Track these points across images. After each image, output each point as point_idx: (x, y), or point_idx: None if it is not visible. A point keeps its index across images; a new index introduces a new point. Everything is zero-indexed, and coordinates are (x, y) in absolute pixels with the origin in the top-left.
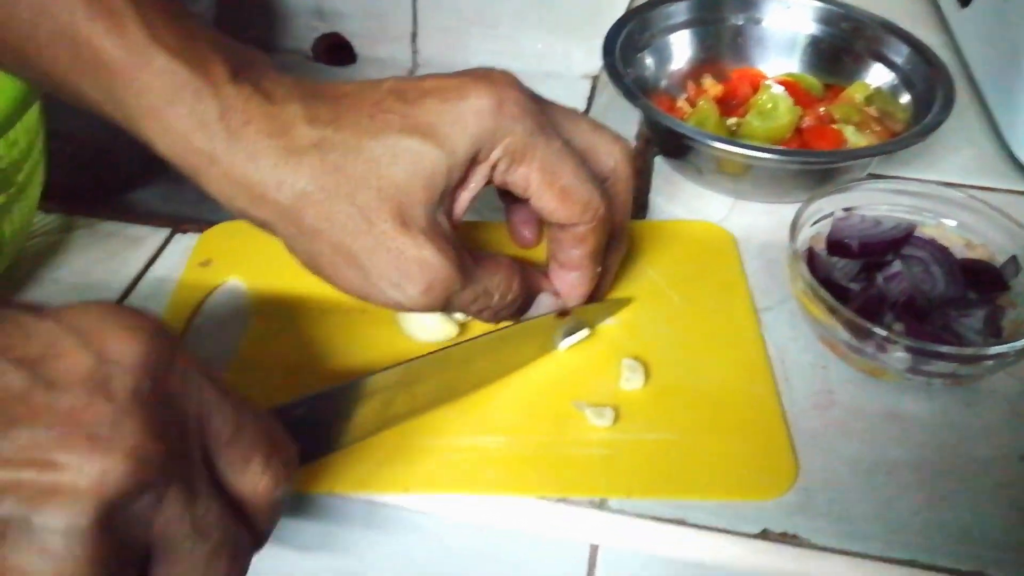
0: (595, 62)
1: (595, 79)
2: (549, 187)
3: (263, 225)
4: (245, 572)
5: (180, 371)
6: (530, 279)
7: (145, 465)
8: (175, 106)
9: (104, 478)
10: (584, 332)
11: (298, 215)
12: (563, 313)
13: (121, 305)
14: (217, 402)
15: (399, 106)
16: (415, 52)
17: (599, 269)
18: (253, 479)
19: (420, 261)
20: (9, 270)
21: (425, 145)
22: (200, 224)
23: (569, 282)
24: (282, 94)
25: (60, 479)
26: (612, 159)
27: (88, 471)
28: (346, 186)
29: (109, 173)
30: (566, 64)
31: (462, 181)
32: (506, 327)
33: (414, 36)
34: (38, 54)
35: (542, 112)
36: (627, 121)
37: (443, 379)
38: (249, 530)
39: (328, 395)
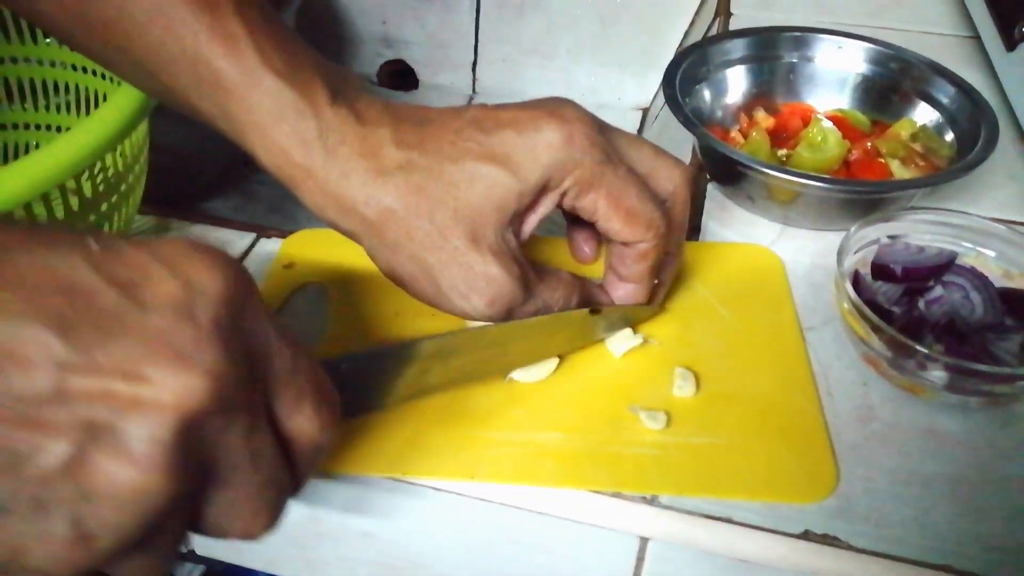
0: (646, 95)
1: (645, 111)
2: (615, 211)
3: (349, 234)
4: (284, 512)
5: (252, 307)
6: (587, 292)
7: (223, 386)
8: (280, 124)
9: (187, 394)
10: (637, 339)
11: (381, 229)
12: (594, 310)
13: (206, 243)
14: (279, 343)
15: (478, 135)
16: (475, 80)
17: (656, 282)
18: (303, 420)
19: (487, 277)
20: None
21: (500, 172)
22: (282, 231)
23: (627, 293)
24: (374, 116)
25: (147, 392)
26: (671, 183)
27: (173, 386)
28: (426, 205)
29: (188, 184)
30: (618, 96)
31: (532, 205)
32: (541, 317)
33: (474, 65)
34: (162, 71)
35: (608, 142)
36: (677, 151)
37: (478, 356)
38: (291, 472)
39: (370, 355)
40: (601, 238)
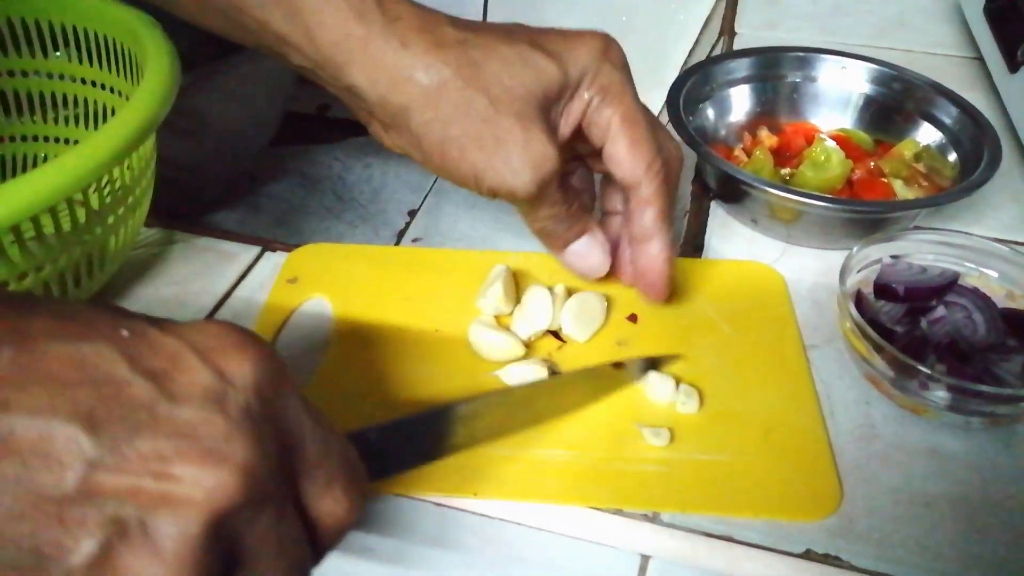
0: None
1: None
2: (623, 133)
3: (398, 111)
4: None
5: (284, 394)
6: (586, 216)
7: (252, 480)
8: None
9: (217, 490)
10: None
11: (437, 99)
12: (618, 364)
13: (237, 326)
14: (311, 426)
15: (528, 32)
16: None
17: (672, 234)
18: (332, 504)
19: (541, 152)
20: (113, 278)
21: (547, 61)
22: (287, 245)
23: (649, 257)
24: (427, 6)
25: (176, 489)
26: (670, 144)
27: (203, 482)
28: (483, 79)
29: (194, 197)
30: None
31: (566, 108)
32: (569, 375)
33: None
34: None
35: (631, 79)
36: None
37: (503, 415)
38: (314, 550)
39: (398, 424)
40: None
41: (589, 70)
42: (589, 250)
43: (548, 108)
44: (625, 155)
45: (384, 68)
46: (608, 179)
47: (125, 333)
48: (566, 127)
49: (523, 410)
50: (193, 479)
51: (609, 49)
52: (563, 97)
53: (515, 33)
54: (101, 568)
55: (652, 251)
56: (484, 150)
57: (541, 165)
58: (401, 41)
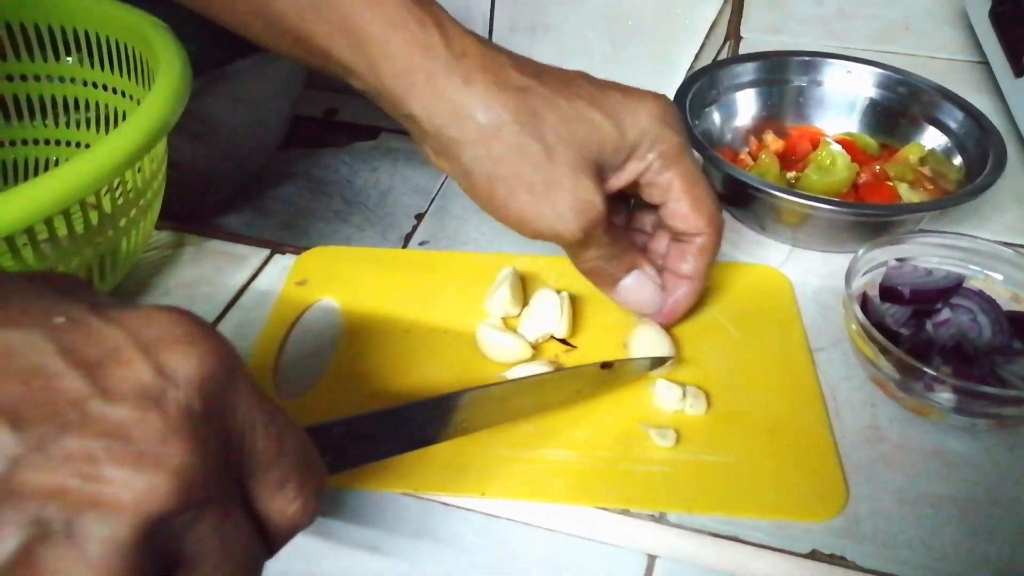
0: None
1: None
2: (686, 194)
3: (449, 143)
4: None
5: (234, 389)
6: (635, 254)
7: (188, 484)
8: (401, 31)
9: (148, 495)
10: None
11: (492, 138)
12: (606, 365)
13: (189, 314)
14: (264, 423)
15: (589, 87)
16: None
17: (706, 284)
18: (284, 503)
19: (589, 202)
20: (125, 280)
21: (605, 120)
22: (296, 248)
23: (681, 294)
24: (493, 45)
25: (105, 491)
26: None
27: (133, 487)
28: (540, 127)
29: (203, 200)
30: None
31: (620, 165)
32: (550, 373)
33: None
34: None
35: (688, 137)
36: None
37: (478, 412)
38: (265, 547)
39: (365, 418)
40: (656, 237)
41: (648, 135)
42: (640, 286)
43: (601, 163)
44: (689, 213)
45: (444, 102)
46: (642, 204)
47: (60, 320)
48: (617, 182)
49: (498, 407)
50: (123, 482)
51: (668, 114)
52: (617, 156)
53: (575, 85)
54: (21, 569)
55: (686, 290)
56: (532, 193)
57: (588, 212)
58: (464, 78)
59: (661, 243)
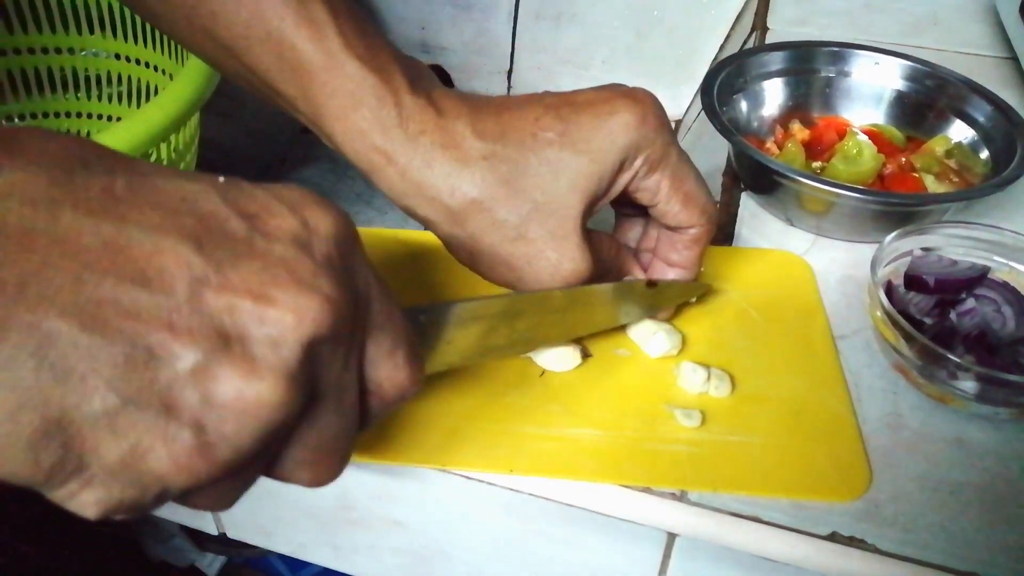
0: (680, 106)
1: (678, 123)
2: (675, 193)
3: (425, 221)
4: (349, 456)
5: (357, 254)
6: (626, 259)
7: (338, 314)
8: (360, 109)
9: (309, 316)
10: (676, 344)
11: (464, 219)
12: (651, 283)
13: (312, 191)
14: (378, 290)
15: (556, 125)
16: (509, 87)
17: (698, 272)
18: (392, 370)
19: (572, 270)
20: None
21: (580, 159)
22: None
23: (675, 278)
24: (451, 107)
25: (274, 311)
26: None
27: (296, 307)
28: (512, 198)
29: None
30: None
31: (608, 188)
32: (603, 285)
33: (509, 73)
34: (247, 52)
35: (671, 127)
36: (710, 161)
37: (542, 320)
38: (362, 418)
39: (445, 308)
40: (647, 224)
41: (629, 148)
42: None
43: (588, 207)
44: (681, 210)
45: (409, 184)
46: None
47: (221, 179)
48: (607, 197)
49: (560, 316)
50: (290, 303)
51: (646, 116)
52: (602, 183)
53: (542, 127)
54: (203, 377)
55: (679, 276)
56: (513, 268)
57: (571, 277)
58: (424, 160)
59: (652, 233)
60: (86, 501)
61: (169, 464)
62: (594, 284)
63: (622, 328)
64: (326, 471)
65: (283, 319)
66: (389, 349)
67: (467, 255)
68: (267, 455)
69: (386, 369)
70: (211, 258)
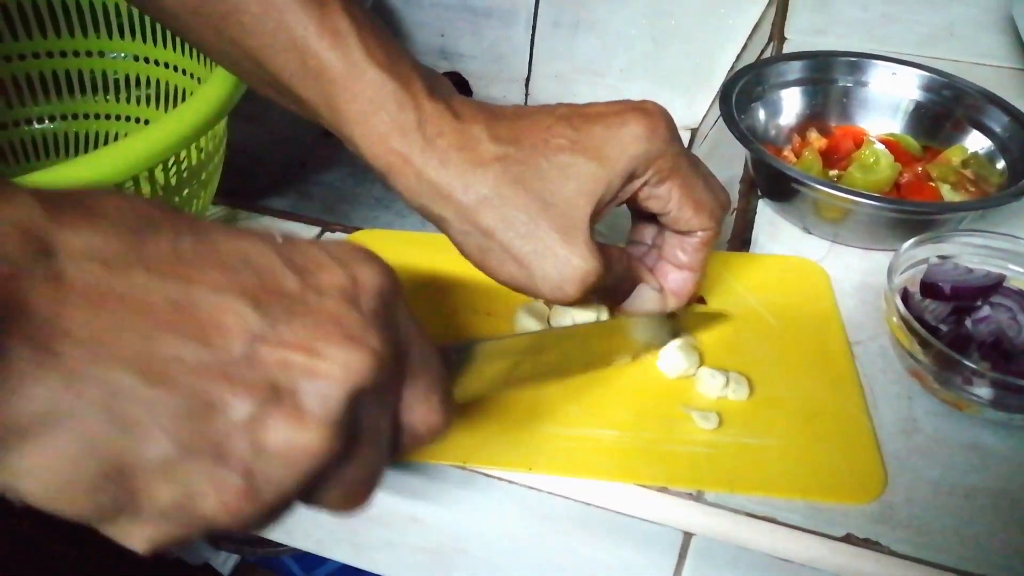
0: (695, 115)
1: (694, 131)
2: (687, 200)
3: (439, 220)
4: (378, 486)
5: (400, 305)
6: (637, 268)
7: (382, 366)
8: (380, 113)
9: (355, 368)
10: (694, 364)
11: (476, 216)
12: (671, 315)
13: (362, 247)
14: (418, 339)
15: (568, 132)
16: (527, 95)
17: (704, 274)
18: (426, 413)
19: (581, 268)
20: None
21: (590, 164)
22: (345, 227)
23: (682, 279)
24: (468, 113)
25: (323, 365)
26: (720, 191)
27: (344, 361)
28: (522, 196)
29: (249, 180)
30: None
31: (617, 194)
32: (623, 317)
33: (527, 80)
34: (272, 60)
35: (680, 139)
36: (727, 169)
37: (564, 352)
38: (392, 452)
39: (474, 346)
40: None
41: (640, 158)
42: (643, 300)
43: (594, 211)
44: (692, 216)
45: (424, 183)
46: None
47: (279, 239)
48: (615, 203)
49: (583, 348)
50: (337, 358)
51: (656, 128)
52: (611, 189)
53: (555, 134)
54: (255, 427)
55: (686, 277)
56: (523, 265)
57: (580, 277)
58: (440, 160)
59: (664, 234)
60: (137, 538)
61: (218, 507)
62: (616, 318)
63: None
64: (357, 501)
65: (332, 373)
66: (425, 393)
67: (477, 251)
68: (305, 493)
69: (421, 412)
70: (267, 315)
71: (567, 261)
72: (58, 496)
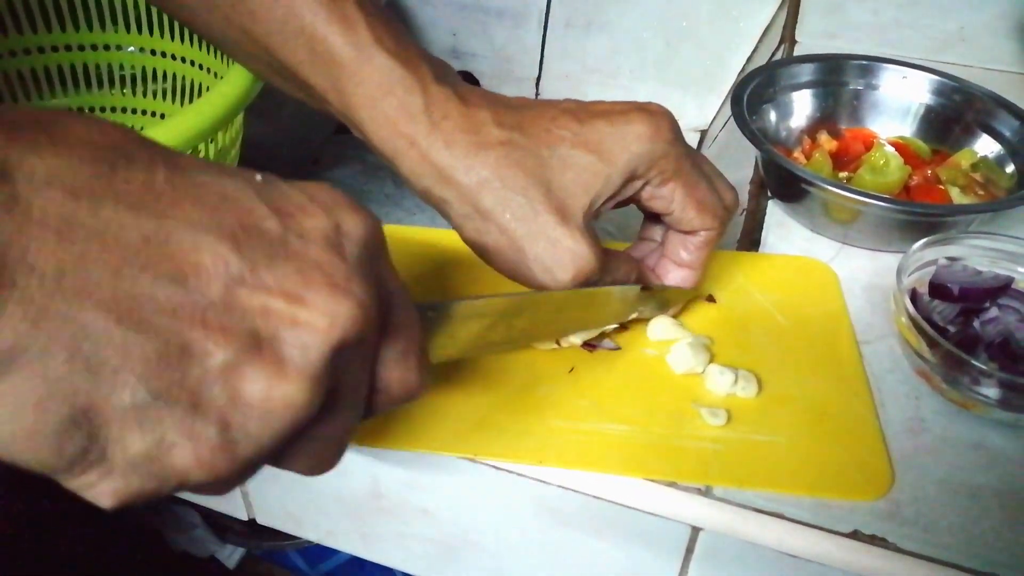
0: (705, 116)
1: (703, 133)
2: (689, 201)
3: (440, 202)
4: (346, 447)
5: (384, 258)
6: (643, 273)
7: (366, 318)
8: (388, 97)
9: (339, 319)
10: (703, 362)
11: (477, 197)
12: (646, 288)
13: (344, 192)
14: (400, 295)
15: (572, 125)
16: (537, 94)
17: (704, 272)
18: (403, 372)
19: (573, 253)
20: None
21: (591, 158)
22: None
23: (683, 277)
24: (475, 100)
25: (304, 313)
26: (726, 191)
27: (327, 310)
28: (522, 180)
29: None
30: (678, 116)
31: (617, 192)
32: (598, 288)
33: (538, 80)
34: (282, 47)
35: (684, 141)
36: (737, 170)
37: (538, 319)
38: (366, 410)
39: (450, 305)
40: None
41: (642, 158)
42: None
43: (592, 203)
44: (695, 217)
45: (428, 165)
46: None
47: (259, 177)
48: (613, 202)
49: (556, 315)
50: (319, 306)
51: (659, 129)
52: (609, 186)
53: (558, 126)
54: (232, 376)
55: (686, 275)
56: (518, 249)
57: (577, 267)
58: (445, 142)
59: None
60: (103, 491)
61: (192, 460)
62: (592, 288)
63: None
64: (326, 462)
65: (316, 322)
66: (403, 351)
67: (476, 234)
68: (280, 449)
69: (398, 371)
70: (247, 257)
71: (558, 243)
72: (20, 443)
